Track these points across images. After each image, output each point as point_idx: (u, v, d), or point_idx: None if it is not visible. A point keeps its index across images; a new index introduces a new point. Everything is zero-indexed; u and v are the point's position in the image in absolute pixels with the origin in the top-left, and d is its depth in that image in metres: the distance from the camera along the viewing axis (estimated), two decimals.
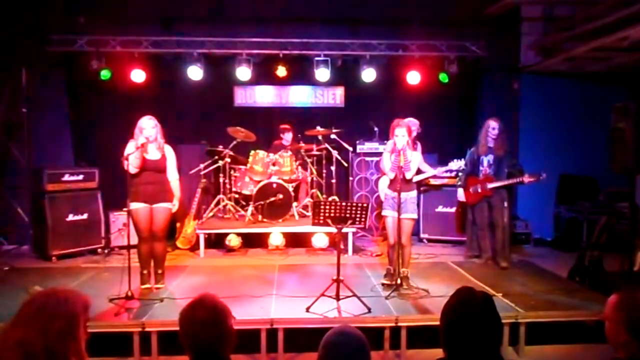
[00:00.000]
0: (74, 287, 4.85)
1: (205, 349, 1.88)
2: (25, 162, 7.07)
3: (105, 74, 7.23)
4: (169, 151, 4.93)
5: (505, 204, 5.84)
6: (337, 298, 4.39)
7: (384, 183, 5.32)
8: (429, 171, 5.53)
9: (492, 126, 5.82)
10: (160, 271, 4.97)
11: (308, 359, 3.96)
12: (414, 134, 5.35)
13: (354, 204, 4.51)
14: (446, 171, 5.89)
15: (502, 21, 7.39)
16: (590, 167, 7.29)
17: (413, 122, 5.62)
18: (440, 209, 7.28)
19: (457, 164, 5.54)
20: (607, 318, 1.94)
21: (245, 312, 4.19)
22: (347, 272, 5.54)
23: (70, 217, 6.44)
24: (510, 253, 6.06)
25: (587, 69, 7.15)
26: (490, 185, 5.80)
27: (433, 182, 7.22)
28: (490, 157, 5.85)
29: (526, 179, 5.63)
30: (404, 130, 4.80)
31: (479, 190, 5.89)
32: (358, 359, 1.75)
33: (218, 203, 7.23)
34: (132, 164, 4.61)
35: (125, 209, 4.84)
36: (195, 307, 1.92)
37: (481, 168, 5.91)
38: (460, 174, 6.10)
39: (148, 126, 4.74)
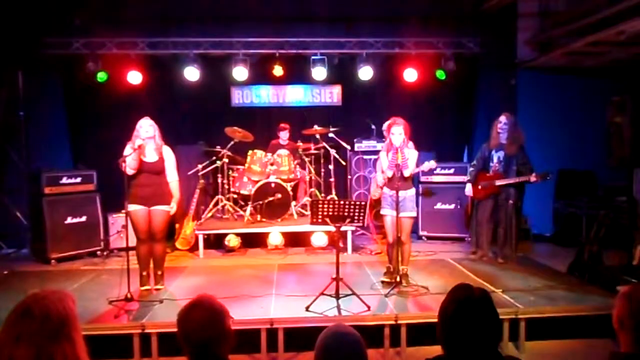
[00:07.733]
0: (73, 290, 4.88)
1: (203, 349, 1.87)
2: (23, 166, 7.07)
3: (101, 76, 7.24)
4: (167, 153, 4.91)
5: (510, 202, 5.78)
6: (337, 297, 4.39)
7: (374, 185, 5.31)
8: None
9: (500, 120, 5.77)
10: (159, 272, 4.97)
11: (308, 358, 3.95)
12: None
13: (352, 202, 4.51)
14: (419, 172, 5.40)
15: (499, 17, 7.37)
16: (588, 161, 7.29)
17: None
18: (439, 206, 7.27)
19: (429, 165, 4.94)
20: (616, 310, 1.93)
21: (245, 312, 4.20)
22: (347, 270, 5.55)
23: (69, 220, 6.43)
24: (515, 251, 5.94)
25: (583, 64, 7.15)
26: (498, 183, 5.76)
27: (434, 179, 7.22)
28: (501, 154, 5.79)
29: (532, 178, 5.54)
30: (400, 129, 4.80)
31: (487, 186, 5.88)
32: (354, 358, 1.75)
33: (217, 203, 7.23)
34: (129, 166, 4.60)
35: (123, 211, 4.84)
36: (192, 308, 1.92)
37: (491, 164, 5.87)
38: (471, 169, 6.05)
39: (145, 125, 4.74)
